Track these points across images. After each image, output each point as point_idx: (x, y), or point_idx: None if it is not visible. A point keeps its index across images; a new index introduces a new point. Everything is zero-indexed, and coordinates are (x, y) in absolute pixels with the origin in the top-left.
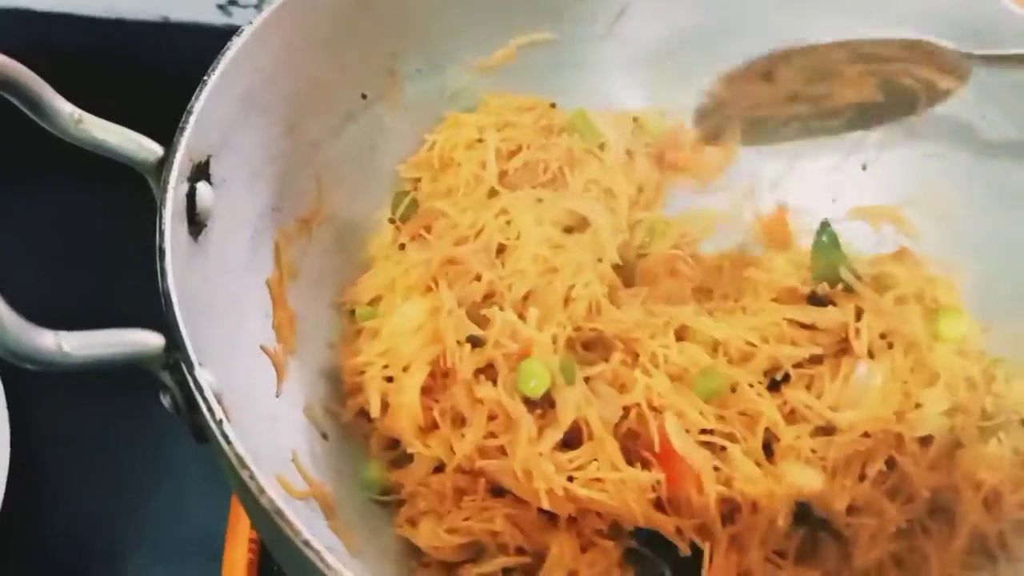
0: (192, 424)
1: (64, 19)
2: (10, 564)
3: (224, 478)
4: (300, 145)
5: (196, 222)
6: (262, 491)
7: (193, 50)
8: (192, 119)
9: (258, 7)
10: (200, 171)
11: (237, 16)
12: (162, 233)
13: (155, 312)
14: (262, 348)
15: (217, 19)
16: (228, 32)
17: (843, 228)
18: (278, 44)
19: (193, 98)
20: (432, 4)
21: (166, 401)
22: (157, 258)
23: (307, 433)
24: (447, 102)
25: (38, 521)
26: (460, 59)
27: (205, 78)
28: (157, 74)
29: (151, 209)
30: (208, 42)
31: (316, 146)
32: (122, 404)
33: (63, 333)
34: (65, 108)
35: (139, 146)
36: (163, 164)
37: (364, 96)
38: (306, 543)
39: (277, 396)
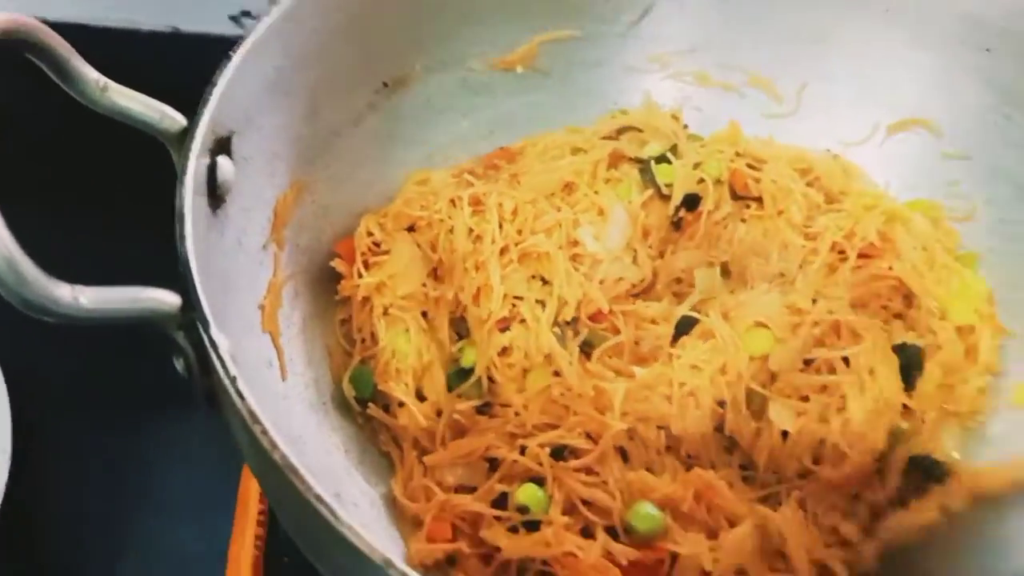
0: (204, 388)
1: (75, 28)
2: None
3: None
4: (320, 131)
5: (216, 195)
6: (275, 446)
7: (203, 61)
8: (216, 92)
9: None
10: (222, 145)
11: (250, 28)
12: (182, 198)
13: (173, 280)
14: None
15: (229, 30)
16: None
17: None
18: (304, 28)
19: (217, 71)
20: None
21: (179, 364)
22: (176, 222)
23: (317, 414)
24: (467, 95)
25: (33, 529)
26: (482, 53)
27: (231, 53)
28: (167, 84)
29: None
30: (219, 53)
31: (336, 133)
32: (122, 416)
33: (80, 287)
34: (91, 75)
35: (162, 115)
36: (185, 134)
37: (385, 84)
38: (318, 498)
39: (284, 379)
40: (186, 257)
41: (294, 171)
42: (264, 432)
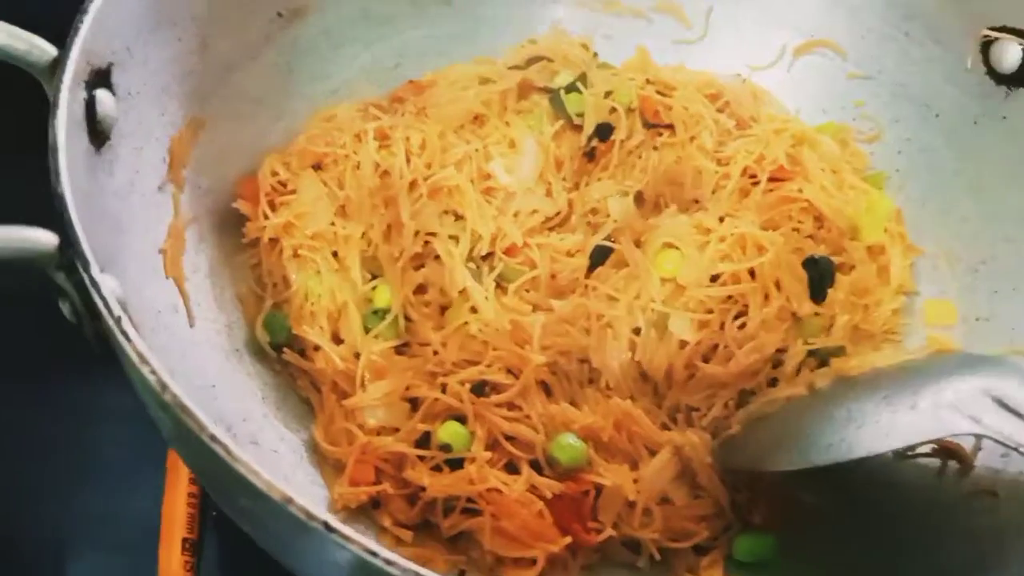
0: (94, 332)
1: None
2: None
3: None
4: (213, 65)
5: (97, 132)
6: (165, 387)
7: None
8: (88, 19)
9: None
10: (100, 78)
11: None
12: (55, 132)
13: None
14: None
15: None
16: None
17: None
18: None
19: None
20: None
21: (65, 309)
22: (50, 157)
23: (231, 360)
24: (369, 26)
25: None
26: None
27: None
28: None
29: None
30: None
31: (232, 68)
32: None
33: None
34: None
35: (31, 46)
36: (57, 65)
37: (280, 15)
38: (212, 437)
39: (192, 326)
40: (61, 192)
41: (188, 108)
42: (153, 372)
